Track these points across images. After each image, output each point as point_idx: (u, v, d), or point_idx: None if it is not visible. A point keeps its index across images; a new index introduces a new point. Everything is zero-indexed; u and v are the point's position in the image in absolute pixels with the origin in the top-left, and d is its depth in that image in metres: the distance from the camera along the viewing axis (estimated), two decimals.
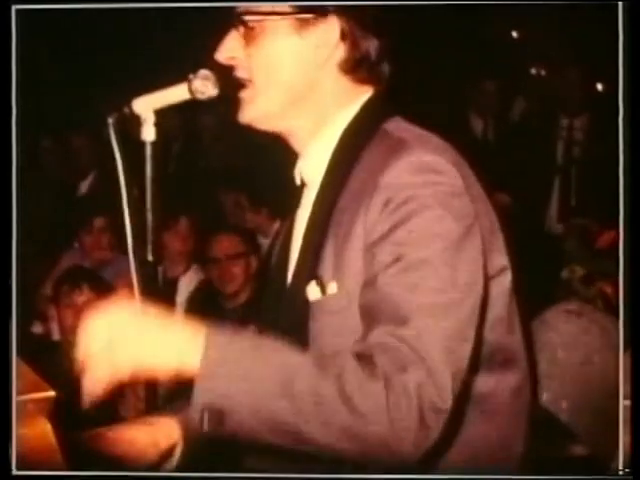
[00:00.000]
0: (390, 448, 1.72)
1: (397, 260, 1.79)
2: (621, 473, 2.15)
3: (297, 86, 1.99)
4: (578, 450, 2.47)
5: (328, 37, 1.96)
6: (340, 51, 1.97)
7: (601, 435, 2.37)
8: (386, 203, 1.82)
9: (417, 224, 1.80)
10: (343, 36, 1.96)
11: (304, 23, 1.96)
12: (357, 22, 1.96)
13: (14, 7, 2.31)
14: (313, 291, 1.93)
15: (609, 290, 3.64)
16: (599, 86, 5.96)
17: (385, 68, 2.02)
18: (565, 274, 3.99)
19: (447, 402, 1.72)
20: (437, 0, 2.34)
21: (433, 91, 6.40)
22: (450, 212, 1.81)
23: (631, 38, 2.19)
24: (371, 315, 1.81)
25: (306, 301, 1.94)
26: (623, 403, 2.16)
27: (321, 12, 1.95)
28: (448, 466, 1.92)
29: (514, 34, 8.31)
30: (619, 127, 2.22)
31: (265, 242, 5.66)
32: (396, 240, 1.80)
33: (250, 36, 1.98)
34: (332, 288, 1.90)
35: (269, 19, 1.96)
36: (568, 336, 2.58)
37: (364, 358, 1.73)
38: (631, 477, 2.14)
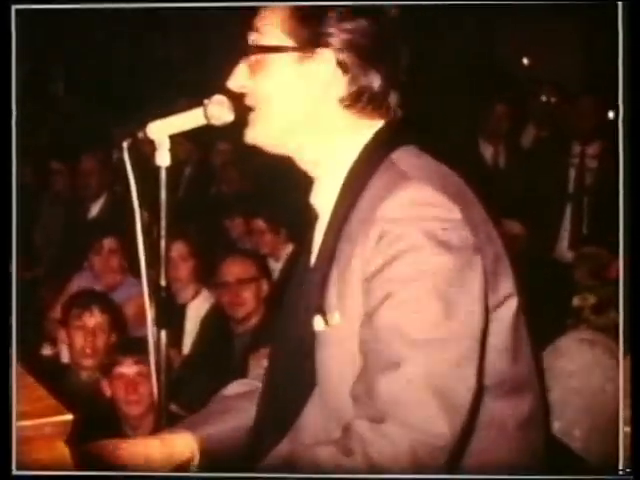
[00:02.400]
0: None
1: (389, 297, 1.80)
2: (621, 473, 2.15)
3: (297, 115, 2.00)
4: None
5: (324, 71, 1.97)
6: (339, 85, 1.98)
7: (614, 464, 2.36)
8: (380, 237, 1.83)
9: (409, 260, 1.80)
10: (344, 70, 1.97)
11: (303, 56, 1.98)
12: (356, 55, 1.96)
13: (14, 7, 2.32)
14: (318, 321, 1.94)
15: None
16: (611, 114, 5.96)
17: (393, 98, 2.02)
18: (576, 302, 3.97)
19: (444, 438, 1.75)
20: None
21: (444, 118, 6.42)
22: (444, 246, 1.81)
23: (631, 38, 2.19)
24: (367, 356, 1.83)
25: (313, 331, 1.95)
26: (624, 430, 2.16)
27: (315, 47, 1.96)
28: None
29: (525, 61, 8.34)
30: (618, 134, 2.22)
31: (276, 266, 5.66)
32: (388, 276, 1.81)
33: (256, 67, 2.02)
34: (335, 319, 1.91)
35: (270, 53, 1.99)
36: (581, 365, 2.57)
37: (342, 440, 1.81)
38: (631, 477, 2.13)
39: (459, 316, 1.79)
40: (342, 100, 1.99)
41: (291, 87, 2.00)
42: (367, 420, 1.78)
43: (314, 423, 1.97)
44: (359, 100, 1.98)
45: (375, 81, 1.98)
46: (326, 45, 1.96)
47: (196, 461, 2.14)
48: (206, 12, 2.42)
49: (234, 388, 2.32)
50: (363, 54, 1.96)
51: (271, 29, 2.00)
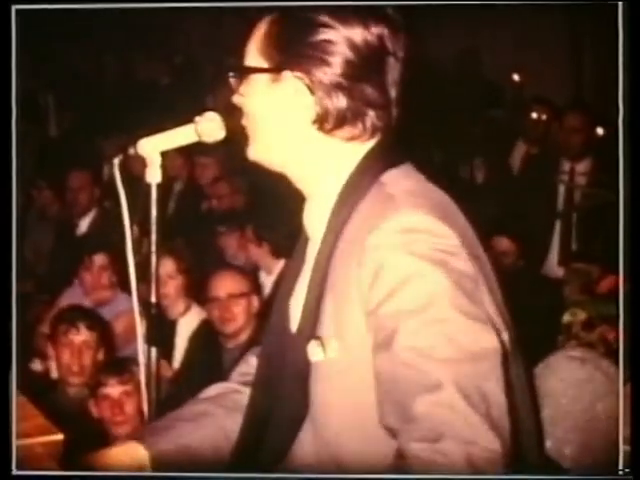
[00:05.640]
0: None
1: (404, 324, 1.77)
2: (621, 473, 2.15)
3: (280, 135, 2.00)
4: None
5: (290, 94, 1.96)
6: (308, 108, 1.96)
7: None
8: (377, 267, 1.80)
9: (415, 287, 1.78)
10: (311, 92, 1.94)
11: (274, 79, 1.97)
12: (318, 78, 1.94)
13: (14, 7, 2.33)
14: (314, 351, 1.91)
15: (610, 335, 3.64)
16: (600, 131, 5.98)
17: (372, 119, 1.97)
18: (566, 318, 3.97)
19: (496, 450, 1.71)
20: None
21: (432, 136, 6.43)
22: (446, 270, 1.79)
23: (631, 38, 2.19)
24: (396, 384, 1.78)
25: (307, 359, 1.92)
26: (623, 448, 2.16)
27: (286, 69, 1.95)
28: None
29: (515, 77, 8.35)
30: (619, 140, 2.22)
31: (268, 280, 5.64)
32: (398, 305, 1.78)
33: (239, 86, 2.02)
34: (333, 348, 1.88)
35: (246, 74, 1.99)
36: (571, 383, 2.57)
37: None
38: (631, 477, 2.13)
39: (475, 335, 1.77)
40: (314, 122, 1.97)
41: (268, 108, 1.99)
42: (419, 441, 1.73)
43: (305, 457, 1.95)
44: (325, 121, 1.96)
45: (341, 102, 1.94)
46: (296, 66, 1.94)
47: (147, 470, 2.10)
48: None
49: (207, 392, 2.32)
50: (324, 76, 1.93)
51: (252, 50, 1.99)
